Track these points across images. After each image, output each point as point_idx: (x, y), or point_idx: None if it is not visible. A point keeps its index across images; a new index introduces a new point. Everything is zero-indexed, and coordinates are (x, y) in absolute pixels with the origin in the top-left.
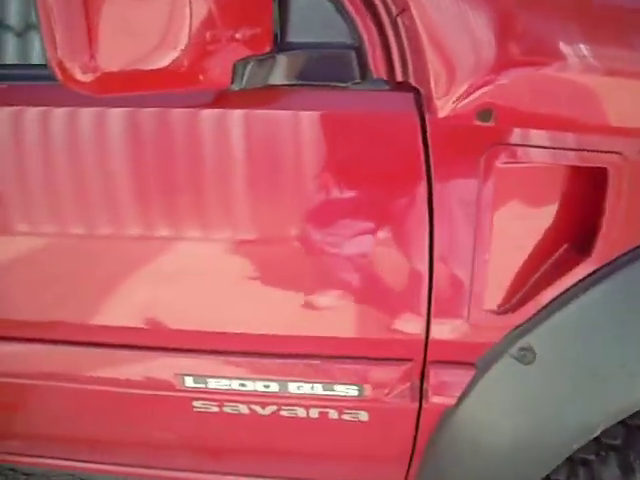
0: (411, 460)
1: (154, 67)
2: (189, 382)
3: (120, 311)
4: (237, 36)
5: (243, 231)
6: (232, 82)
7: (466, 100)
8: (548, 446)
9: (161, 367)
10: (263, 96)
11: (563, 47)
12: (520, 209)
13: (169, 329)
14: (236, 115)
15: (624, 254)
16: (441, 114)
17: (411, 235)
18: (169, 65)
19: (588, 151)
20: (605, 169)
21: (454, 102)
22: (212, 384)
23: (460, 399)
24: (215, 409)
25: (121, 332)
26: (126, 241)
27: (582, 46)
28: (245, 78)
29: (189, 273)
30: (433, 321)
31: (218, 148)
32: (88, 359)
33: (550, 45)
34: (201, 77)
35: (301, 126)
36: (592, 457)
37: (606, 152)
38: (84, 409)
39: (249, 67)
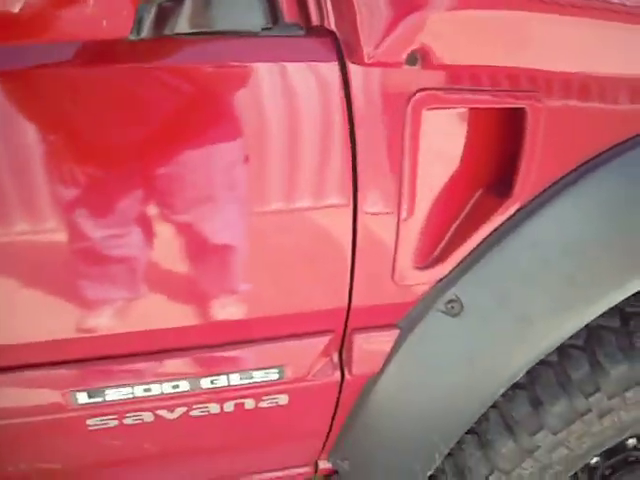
0: (328, 435)
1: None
2: (82, 399)
3: None
4: None
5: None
6: (131, 31)
7: (395, 43)
8: (477, 396)
9: (45, 386)
10: (160, 48)
11: None
12: (439, 156)
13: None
14: (133, 70)
15: (543, 191)
16: (367, 60)
17: (333, 193)
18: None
19: (509, 92)
20: (523, 109)
21: (382, 46)
22: (111, 396)
23: (383, 365)
24: (113, 423)
25: None
26: None
27: None
28: (146, 26)
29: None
30: (355, 287)
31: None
32: None
33: None
34: (104, 23)
35: (208, 81)
36: (499, 398)
37: (525, 91)
38: None
39: (152, 12)
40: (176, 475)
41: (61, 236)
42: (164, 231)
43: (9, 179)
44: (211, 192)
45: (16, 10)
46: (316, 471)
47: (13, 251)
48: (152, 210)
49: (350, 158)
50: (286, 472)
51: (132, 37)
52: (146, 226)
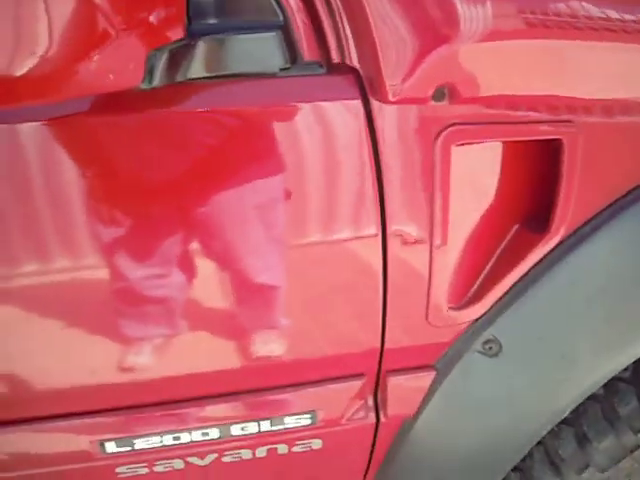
0: (364, 478)
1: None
2: (110, 448)
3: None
4: (151, 19)
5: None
6: (143, 80)
7: (421, 79)
8: (519, 436)
9: (73, 436)
10: (176, 94)
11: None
12: (471, 191)
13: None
14: (150, 118)
15: (583, 225)
16: (392, 97)
17: (362, 236)
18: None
19: (543, 122)
20: (560, 140)
21: (407, 83)
22: (139, 444)
23: (420, 406)
24: (143, 471)
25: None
26: None
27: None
28: (158, 73)
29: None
30: (388, 328)
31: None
32: None
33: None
34: (111, 77)
35: (226, 124)
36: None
37: (560, 122)
38: None
39: (164, 59)
40: None
41: (97, 280)
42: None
43: (48, 221)
44: (234, 234)
45: (18, 74)
46: None
47: (47, 295)
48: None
49: (377, 200)
50: None
51: (144, 86)
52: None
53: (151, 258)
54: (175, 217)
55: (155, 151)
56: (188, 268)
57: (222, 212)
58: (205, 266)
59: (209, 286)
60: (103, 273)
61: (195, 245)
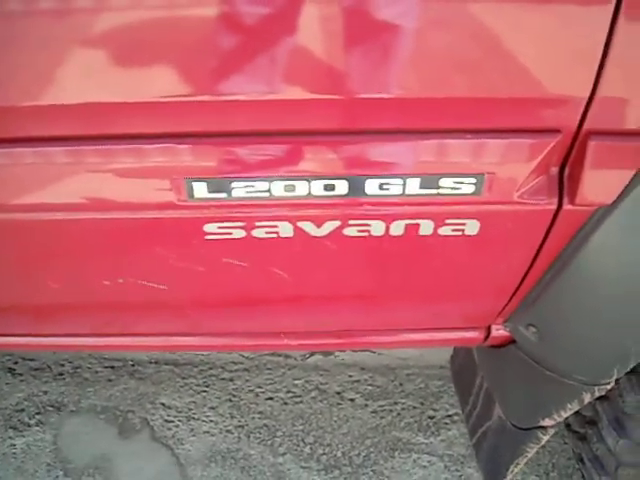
0: (516, 291)
1: None
2: (200, 192)
3: None
4: None
5: None
6: None
7: None
8: None
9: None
10: None
11: None
12: None
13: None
14: None
15: None
16: None
17: None
18: None
19: None
20: None
21: None
22: (238, 191)
23: (618, 198)
24: (239, 234)
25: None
26: None
27: None
28: None
29: None
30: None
31: None
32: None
33: None
34: None
35: None
36: None
37: None
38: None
39: None
40: (305, 320)
41: None
42: None
43: None
44: None
45: None
46: (486, 338)
47: None
48: None
49: None
50: (448, 334)
51: None
52: None
53: None
54: None
55: None
56: None
57: None
58: None
59: None
60: None
61: None
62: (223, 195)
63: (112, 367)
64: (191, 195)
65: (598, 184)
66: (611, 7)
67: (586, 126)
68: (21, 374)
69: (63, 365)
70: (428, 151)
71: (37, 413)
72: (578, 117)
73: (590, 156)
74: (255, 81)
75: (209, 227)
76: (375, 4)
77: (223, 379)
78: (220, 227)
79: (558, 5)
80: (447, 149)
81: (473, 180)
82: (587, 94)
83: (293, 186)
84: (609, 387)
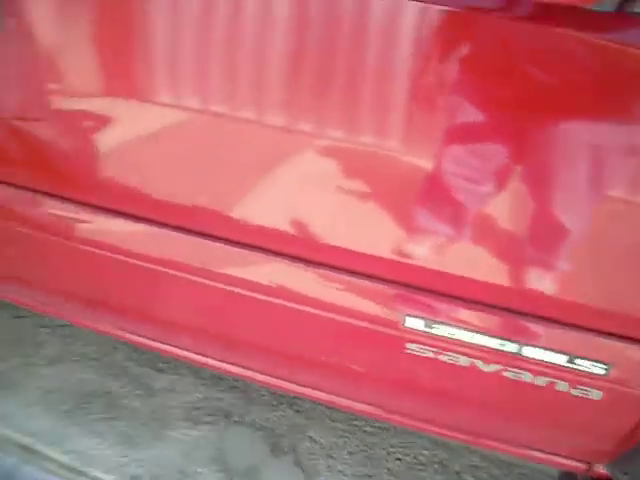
0: (620, 444)
1: None
2: (411, 323)
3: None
4: None
5: None
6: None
7: None
8: None
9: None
10: (616, 23)
11: None
12: None
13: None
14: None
15: None
16: None
17: None
18: None
19: None
20: None
21: None
22: (438, 330)
23: None
24: (430, 354)
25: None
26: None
27: None
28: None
29: None
30: None
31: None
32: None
33: None
34: None
35: None
36: None
37: None
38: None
39: None
40: (450, 419)
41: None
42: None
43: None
44: None
45: None
46: (588, 470)
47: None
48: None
49: None
50: (555, 458)
51: (595, 7)
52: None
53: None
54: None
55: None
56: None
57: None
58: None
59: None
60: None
61: (517, 164)
62: (427, 330)
63: (276, 394)
64: (403, 322)
65: None
66: None
67: None
68: (204, 378)
69: (237, 380)
70: (581, 340)
71: (209, 414)
72: None
73: None
74: None
75: (410, 345)
76: None
77: (365, 431)
78: (419, 347)
79: None
80: (592, 341)
81: (604, 366)
82: None
83: (475, 337)
84: None
